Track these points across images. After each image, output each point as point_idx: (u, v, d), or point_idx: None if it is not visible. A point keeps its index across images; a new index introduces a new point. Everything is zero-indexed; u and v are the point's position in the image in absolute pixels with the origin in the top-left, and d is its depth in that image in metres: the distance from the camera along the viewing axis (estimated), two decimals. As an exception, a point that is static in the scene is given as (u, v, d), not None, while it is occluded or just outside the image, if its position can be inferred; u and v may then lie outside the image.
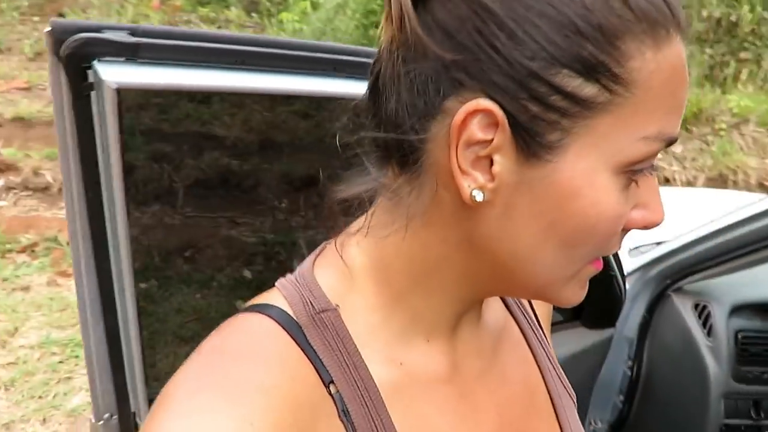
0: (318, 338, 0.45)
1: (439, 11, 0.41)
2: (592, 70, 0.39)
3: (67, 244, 1.45)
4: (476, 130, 0.40)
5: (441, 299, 0.48)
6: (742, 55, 6.11)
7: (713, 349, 1.41)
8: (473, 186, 0.41)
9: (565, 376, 0.61)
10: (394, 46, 0.42)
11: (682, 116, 0.43)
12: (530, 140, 0.40)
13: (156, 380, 1.05)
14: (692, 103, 5.68)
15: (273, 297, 0.47)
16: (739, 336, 1.41)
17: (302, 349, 0.44)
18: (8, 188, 4.38)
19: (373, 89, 0.45)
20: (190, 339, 1.99)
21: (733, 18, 6.09)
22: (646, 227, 0.45)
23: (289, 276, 0.49)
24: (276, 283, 0.48)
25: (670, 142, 0.42)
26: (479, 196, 0.41)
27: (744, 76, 6.06)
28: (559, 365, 0.60)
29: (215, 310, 2.08)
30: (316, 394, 0.44)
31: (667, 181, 5.30)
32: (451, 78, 0.40)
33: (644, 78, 0.40)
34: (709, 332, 1.44)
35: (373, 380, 0.46)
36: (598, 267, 0.47)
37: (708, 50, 6.19)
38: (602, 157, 0.41)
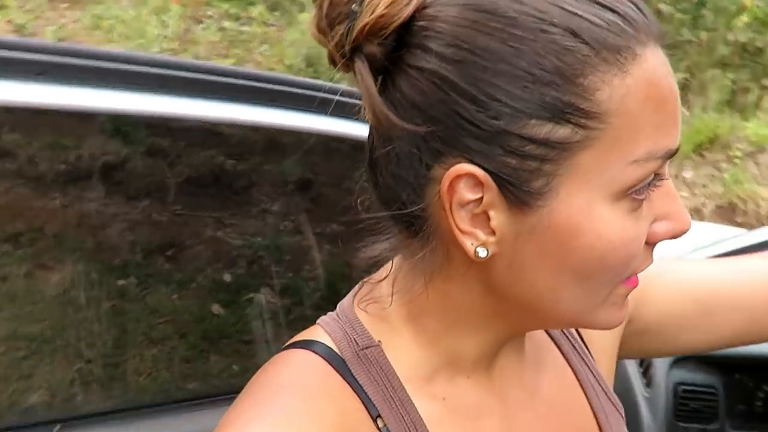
0: (363, 373, 0.48)
1: (405, 87, 0.43)
2: (559, 113, 0.40)
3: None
4: (464, 192, 0.42)
5: (478, 340, 0.50)
6: (766, 82, 5.97)
7: (650, 401, 1.35)
8: (476, 243, 0.44)
9: (613, 393, 0.61)
10: (375, 128, 0.45)
11: (677, 122, 0.43)
12: (517, 191, 0.42)
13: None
14: (709, 128, 5.56)
15: (317, 333, 0.50)
16: (680, 389, 1.35)
17: (348, 384, 0.47)
18: None
19: (370, 165, 0.48)
20: (159, 341, 1.99)
21: (759, 44, 5.96)
22: (673, 237, 0.45)
23: (330, 313, 0.52)
24: (318, 321, 0.52)
25: (669, 156, 0.43)
26: (482, 253, 0.44)
27: (766, 103, 5.91)
28: (605, 382, 0.60)
29: (189, 312, 2.07)
30: (364, 427, 0.46)
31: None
32: (430, 148, 0.43)
33: (617, 105, 0.40)
34: (649, 383, 1.38)
35: (419, 414, 0.48)
36: (633, 284, 0.47)
37: (730, 75, 6.07)
38: (595, 190, 0.41)
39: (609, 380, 0.62)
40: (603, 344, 0.63)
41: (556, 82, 0.39)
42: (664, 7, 6.35)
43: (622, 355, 0.67)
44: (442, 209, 0.44)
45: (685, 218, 0.45)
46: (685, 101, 6.17)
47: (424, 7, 0.42)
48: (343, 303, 0.53)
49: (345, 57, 0.43)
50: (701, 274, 0.65)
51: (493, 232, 0.43)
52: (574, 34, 0.39)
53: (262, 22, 7.24)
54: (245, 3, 7.53)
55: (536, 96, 0.39)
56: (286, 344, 0.51)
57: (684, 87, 6.29)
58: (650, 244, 0.45)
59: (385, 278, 0.52)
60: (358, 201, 0.51)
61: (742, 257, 0.69)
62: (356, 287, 0.54)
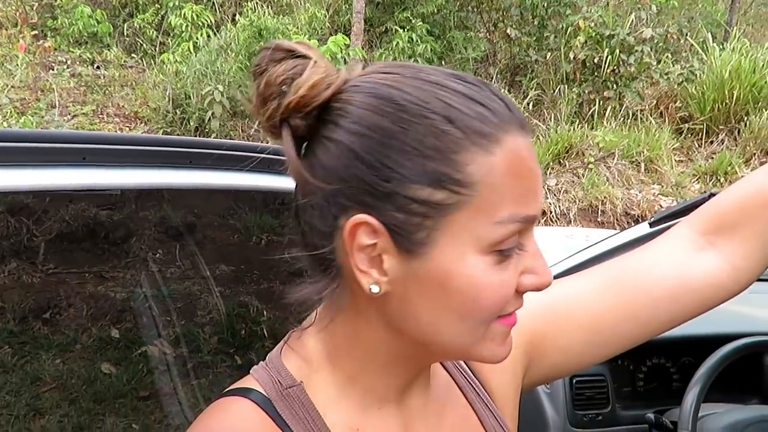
0: (287, 409, 0.55)
1: (320, 153, 0.52)
2: (437, 181, 0.49)
3: None
4: (363, 238, 0.51)
5: (385, 374, 0.58)
6: (605, 93, 6.56)
7: (551, 396, 1.46)
8: (371, 282, 0.52)
9: None
10: (296, 184, 0.55)
11: (536, 195, 0.52)
12: (404, 240, 0.50)
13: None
14: (563, 138, 6.03)
15: (248, 381, 0.58)
16: (574, 381, 1.47)
17: (273, 420, 0.55)
18: None
19: (294, 213, 0.57)
20: (47, 411, 1.84)
21: (596, 60, 6.53)
22: (537, 289, 0.54)
23: (261, 363, 0.60)
24: (251, 370, 0.59)
25: (527, 221, 0.51)
26: (375, 289, 0.52)
27: (608, 113, 6.50)
28: (508, 426, 0.67)
29: (77, 376, 1.94)
30: None
31: (543, 214, 5.56)
32: (336, 202, 0.51)
33: (482, 177, 0.49)
34: (547, 379, 1.48)
35: None
36: (508, 323, 0.55)
37: (576, 89, 6.61)
38: (467, 243, 0.50)
39: (513, 425, 0.69)
40: (505, 393, 0.69)
41: (434, 156, 0.49)
42: (511, 32, 6.84)
43: (529, 389, 0.72)
44: (345, 252, 0.52)
45: (545, 274, 0.54)
46: (540, 115, 6.65)
47: (340, 92, 0.52)
48: (272, 352, 0.61)
49: (275, 127, 0.52)
50: (580, 299, 0.70)
51: (386, 273, 0.52)
52: (450, 121, 0.49)
53: (119, 65, 6.96)
54: (99, 47, 7.21)
55: (419, 166, 0.49)
56: (225, 391, 0.58)
57: (537, 103, 6.79)
58: (519, 292, 0.54)
59: (310, 326, 0.59)
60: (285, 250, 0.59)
61: (606, 264, 0.72)
62: (286, 336, 0.61)
